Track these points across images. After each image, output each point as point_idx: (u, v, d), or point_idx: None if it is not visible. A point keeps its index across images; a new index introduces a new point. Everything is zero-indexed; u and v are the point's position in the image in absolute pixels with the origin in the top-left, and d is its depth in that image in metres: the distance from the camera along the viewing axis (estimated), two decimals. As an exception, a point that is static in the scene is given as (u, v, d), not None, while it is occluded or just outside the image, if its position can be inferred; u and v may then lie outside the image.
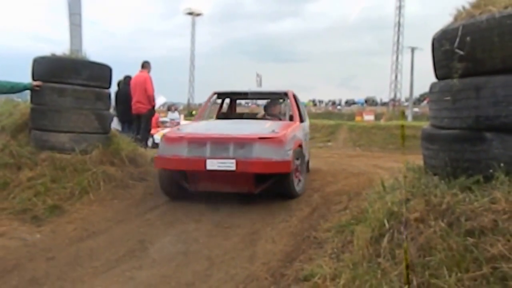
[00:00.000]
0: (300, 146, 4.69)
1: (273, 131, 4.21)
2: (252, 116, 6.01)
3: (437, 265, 1.97)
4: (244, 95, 6.32)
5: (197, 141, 4.19)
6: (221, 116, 6.32)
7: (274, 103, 5.94)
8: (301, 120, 5.79)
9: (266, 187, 4.28)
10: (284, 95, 5.72)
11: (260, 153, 3.98)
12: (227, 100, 6.61)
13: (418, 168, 2.93)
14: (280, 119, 5.45)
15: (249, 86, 6.95)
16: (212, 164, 3.97)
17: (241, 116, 6.23)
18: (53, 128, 4.72)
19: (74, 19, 5.73)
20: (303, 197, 4.70)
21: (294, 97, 6.01)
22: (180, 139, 4.26)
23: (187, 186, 4.42)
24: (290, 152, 4.15)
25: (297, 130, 4.85)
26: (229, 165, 3.93)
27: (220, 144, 4.10)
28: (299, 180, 4.57)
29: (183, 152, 4.16)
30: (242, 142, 4.07)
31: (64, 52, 5.12)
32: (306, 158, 5.76)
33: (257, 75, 8.32)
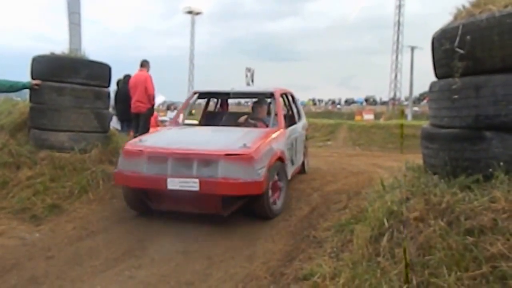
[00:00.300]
0: (281, 158, 4.12)
1: (244, 145, 3.64)
2: (234, 120, 5.33)
3: (437, 264, 1.97)
4: (226, 95, 5.72)
5: (158, 157, 3.70)
6: (204, 116, 5.97)
7: (261, 104, 5.32)
8: (293, 122, 5.44)
9: (238, 208, 3.82)
10: (271, 95, 5.12)
11: (227, 172, 3.48)
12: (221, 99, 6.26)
13: (417, 167, 2.93)
14: (265, 123, 4.93)
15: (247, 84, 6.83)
16: (174, 184, 3.53)
17: (223, 118, 5.57)
18: (52, 127, 4.72)
19: (74, 18, 5.73)
20: (303, 196, 4.70)
21: (286, 96, 5.64)
22: (139, 153, 3.78)
23: (150, 204, 4.00)
24: (263, 171, 3.62)
25: (278, 140, 4.28)
26: (192, 185, 3.48)
27: (183, 160, 3.61)
28: (278, 198, 4.08)
29: (143, 168, 3.69)
30: (207, 159, 3.56)
31: (63, 51, 5.11)
32: (301, 160, 5.49)
33: (248, 69, 7.38)
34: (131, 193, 4.01)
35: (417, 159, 3.03)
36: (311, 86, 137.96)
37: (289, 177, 4.51)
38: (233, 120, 5.34)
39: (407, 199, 2.46)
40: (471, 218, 2.06)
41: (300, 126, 5.69)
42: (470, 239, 1.97)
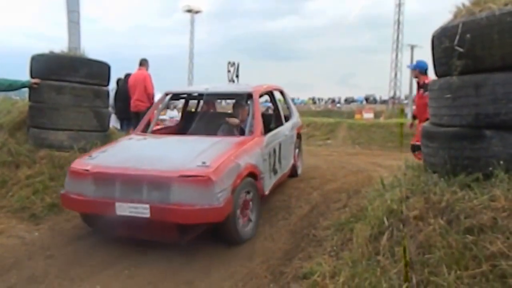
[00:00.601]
0: (253, 173, 3.60)
1: (203, 163, 3.13)
2: (216, 122, 4.73)
3: (437, 262, 1.97)
4: (199, 96, 5.16)
5: (105, 178, 3.23)
6: (183, 118, 5.53)
7: (242, 105, 4.70)
8: (279, 124, 4.99)
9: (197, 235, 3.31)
10: (248, 96, 4.54)
11: (180, 196, 2.99)
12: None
13: (417, 166, 2.93)
14: (242, 129, 4.40)
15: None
16: (123, 209, 3.08)
17: (204, 121, 4.86)
18: (52, 126, 4.71)
19: (73, 17, 5.72)
20: (303, 195, 4.69)
21: (272, 94, 5.24)
22: (84, 174, 3.29)
23: (102, 229, 3.55)
24: (224, 194, 3.08)
25: (250, 152, 3.71)
26: (142, 211, 3.03)
27: (132, 183, 3.14)
28: (248, 220, 3.53)
29: (89, 191, 3.23)
30: (158, 182, 3.07)
31: (63, 50, 5.11)
32: (290, 164, 5.08)
33: (230, 64, 5.66)
34: (83, 213, 3.61)
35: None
36: (311, 85, 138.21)
37: (267, 192, 3.99)
38: (215, 122, 4.72)
39: (407, 197, 2.46)
40: (471, 216, 2.06)
41: (288, 127, 5.16)
42: (470, 237, 1.97)
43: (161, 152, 3.68)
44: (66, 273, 2.91)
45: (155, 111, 4.91)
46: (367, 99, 55.85)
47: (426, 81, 4.92)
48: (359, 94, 59.47)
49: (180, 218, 3.02)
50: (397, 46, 46.79)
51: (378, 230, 2.43)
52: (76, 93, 4.81)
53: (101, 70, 5.16)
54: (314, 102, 57.62)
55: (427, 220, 2.20)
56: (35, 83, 4.71)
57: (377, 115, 27.67)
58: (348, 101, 56.45)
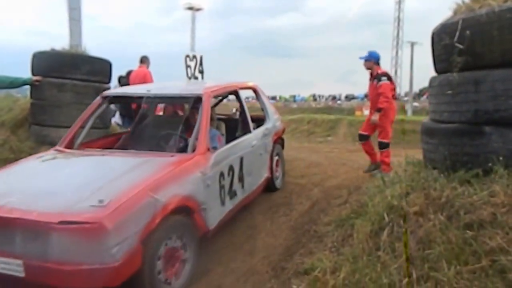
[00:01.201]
0: (185, 207, 2.65)
1: (99, 201, 2.20)
2: (167, 132, 3.65)
3: (437, 258, 1.99)
4: (140, 99, 3.76)
5: None
6: (135, 124, 4.09)
7: (196, 108, 3.57)
8: (246, 131, 4.01)
9: None
10: (197, 100, 3.40)
11: (61, 251, 2.12)
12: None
13: (417, 162, 2.95)
14: (184, 142, 3.42)
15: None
16: None
17: (158, 128, 3.80)
18: (53, 123, 4.73)
19: (74, 14, 5.74)
20: (304, 191, 4.70)
21: (237, 94, 4.14)
22: None
23: None
24: (124, 247, 2.16)
25: (182, 178, 2.72)
26: (15, 268, 2.18)
27: (3, 229, 2.26)
28: (177, 273, 2.58)
29: None
30: (33, 229, 2.18)
31: (64, 47, 5.13)
32: (261, 179, 4.15)
33: (189, 58, 4.33)
34: None
35: (417, 154, 3.04)
36: (312, 82, 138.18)
37: (213, 226, 2.99)
38: (167, 131, 3.66)
39: (407, 193, 2.47)
40: (470, 212, 2.07)
41: (258, 134, 4.13)
42: (470, 233, 1.98)
43: (57, 183, 2.65)
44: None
45: (87, 119, 3.72)
46: (367, 96, 55.73)
47: (380, 72, 4.91)
48: (359, 91, 59.21)
49: (60, 281, 2.14)
50: (397, 43, 46.66)
51: (379, 226, 2.45)
52: (77, 90, 4.83)
53: (102, 67, 5.17)
54: (315, 99, 57.48)
55: (427, 216, 2.21)
56: (37, 81, 4.73)
57: (377, 112, 27.59)
58: (349, 98, 56.25)
